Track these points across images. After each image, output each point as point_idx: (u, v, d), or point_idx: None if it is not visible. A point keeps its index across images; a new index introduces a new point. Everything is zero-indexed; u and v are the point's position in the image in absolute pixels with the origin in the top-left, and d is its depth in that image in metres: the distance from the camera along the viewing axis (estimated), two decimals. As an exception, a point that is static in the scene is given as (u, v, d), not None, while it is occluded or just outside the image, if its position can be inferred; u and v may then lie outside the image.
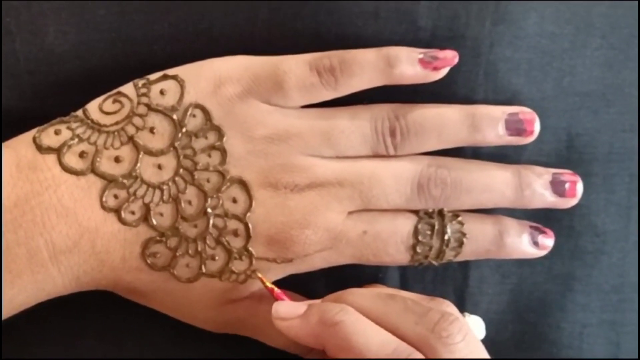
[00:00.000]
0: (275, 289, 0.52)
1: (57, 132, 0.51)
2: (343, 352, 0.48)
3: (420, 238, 0.53)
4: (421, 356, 0.47)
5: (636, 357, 0.59)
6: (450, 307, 0.50)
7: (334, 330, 0.48)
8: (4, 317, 0.51)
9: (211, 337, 0.56)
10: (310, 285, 0.55)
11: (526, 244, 0.55)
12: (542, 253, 0.55)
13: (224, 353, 0.57)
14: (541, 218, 0.56)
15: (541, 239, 0.55)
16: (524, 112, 0.54)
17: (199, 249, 0.51)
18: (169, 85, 0.51)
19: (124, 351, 0.57)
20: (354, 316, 0.48)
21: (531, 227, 0.55)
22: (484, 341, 0.51)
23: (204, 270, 0.52)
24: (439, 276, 0.57)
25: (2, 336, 0.56)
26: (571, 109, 0.56)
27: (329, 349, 0.49)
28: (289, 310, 0.50)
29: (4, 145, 0.51)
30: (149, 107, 0.51)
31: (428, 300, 0.51)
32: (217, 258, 0.51)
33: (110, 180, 0.50)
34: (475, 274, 0.57)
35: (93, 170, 0.50)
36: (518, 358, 0.58)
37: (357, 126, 0.52)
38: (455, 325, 0.48)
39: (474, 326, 0.51)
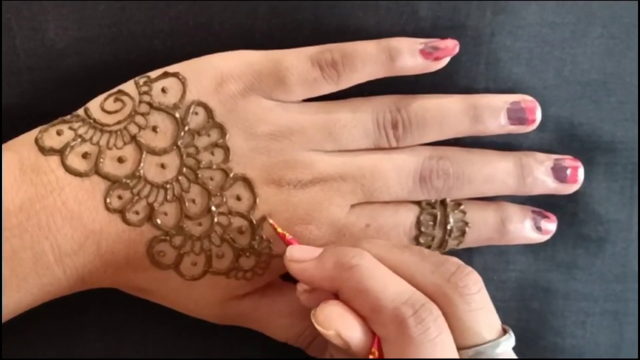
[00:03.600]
0: (287, 234, 0.51)
1: (59, 133, 0.51)
2: (358, 296, 0.47)
3: (422, 229, 0.54)
4: (435, 307, 0.46)
5: (638, 346, 0.60)
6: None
7: (350, 274, 0.47)
8: (7, 318, 0.51)
9: (213, 333, 0.57)
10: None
11: (529, 229, 0.55)
12: (545, 238, 0.56)
13: (226, 349, 0.57)
14: (544, 206, 0.56)
15: (544, 223, 0.55)
16: (526, 100, 0.54)
17: (204, 247, 0.51)
18: (171, 83, 0.51)
19: (126, 348, 0.58)
20: (370, 261, 0.48)
21: (533, 212, 0.55)
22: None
23: (209, 268, 0.52)
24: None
25: (2, 336, 0.56)
26: (572, 98, 0.56)
27: (344, 293, 0.48)
28: (303, 253, 0.49)
29: (5, 147, 0.51)
30: (151, 105, 0.51)
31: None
32: (222, 256, 0.52)
33: (114, 181, 0.50)
34: (479, 261, 0.58)
35: (97, 171, 0.50)
36: (521, 346, 0.58)
37: (358, 119, 0.52)
38: (472, 277, 0.47)
39: None
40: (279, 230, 0.51)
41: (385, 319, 0.46)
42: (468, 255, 0.57)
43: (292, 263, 0.49)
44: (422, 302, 0.46)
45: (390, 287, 0.47)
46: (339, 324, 0.47)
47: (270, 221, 0.52)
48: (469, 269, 0.48)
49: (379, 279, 0.47)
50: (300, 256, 0.49)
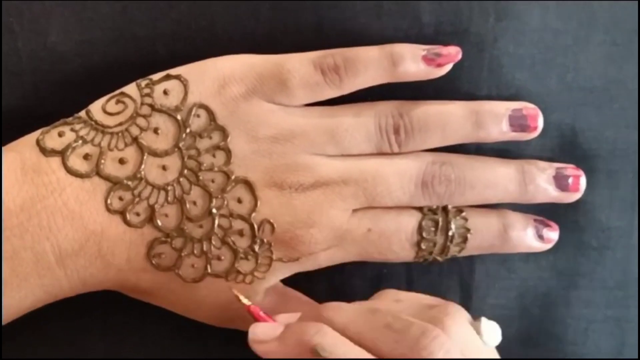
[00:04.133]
0: (252, 307, 0.51)
1: (60, 134, 0.51)
2: None
3: (424, 234, 0.53)
4: None
5: (640, 353, 0.60)
6: (451, 315, 0.49)
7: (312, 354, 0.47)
8: (10, 319, 0.51)
9: (214, 336, 0.56)
10: (314, 281, 0.56)
11: (531, 237, 0.55)
12: (547, 247, 0.55)
13: (226, 351, 0.57)
14: (545, 214, 0.56)
15: (546, 232, 0.55)
16: (528, 107, 0.54)
17: (205, 249, 0.51)
18: (173, 86, 0.51)
19: (126, 349, 0.57)
20: (331, 338, 0.47)
21: (536, 220, 0.55)
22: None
23: (209, 270, 0.52)
24: (445, 271, 0.57)
25: (4, 335, 0.56)
26: (575, 104, 0.56)
27: None
28: (266, 332, 0.49)
29: (7, 148, 0.51)
30: (152, 107, 0.51)
31: (429, 307, 0.50)
32: (223, 258, 0.52)
33: (115, 183, 0.50)
34: (481, 269, 0.57)
35: (98, 172, 0.50)
36: (523, 353, 0.58)
37: (361, 124, 0.52)
38: (437, 342, 0.46)
39: (489, 332, 0.51)
40: (244, 301, 0.51)
41: None
42: (470, 263, 0.57)
43: (256, 345, 0.49)
44: None
45: None
46: None
47: (235, 292, 0.52)
48: (436, 332, 0.47)
49: (341, 356, 0.47)
50: (263, 334, 0.49)
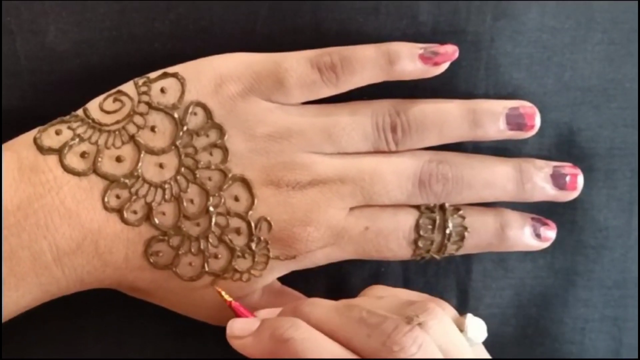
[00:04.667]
0: (233, 302, 0.51)
1: (57, 132, 0.51)
2: None
3: (421, 233, 0.53)
4: None
5: (637, 352, 0.59)
6: (429, 311, 0.48)
7: (285, 347, 0.47)
8: (8, 318, 0.51)
9: (212, 335, 0.56)
10: (311, 280, 0.56)
11: (528, 236, 0.55)
12: (544, 245, 0.55)
13: (225, 351, 0.57)
14: (543, 213, 0.56)
15: (543, 230, 0.55)
16: (525, 106, 0.54)
17: (202, 247, 0.51)
18: (170, 84, 0.51)
19: (124, 350, 0.57)
20: (305, 332, 0.47)
21: (533, 219, 0.55)
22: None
23: (207, 268, 0.52)
24: (442, 270, 0.57)
25: (2, 336, 0.56)
26: (572, 103, 0.56)
27: None
28: (243, 327, 0.50)
29: (4, 146, 0.51)
30: (149, 105, 0.51)
31: (409, 304, 0.49)
32: (220, 256, 0.52)
33: (112, 181, 0.50)
34: (478, 268, 0.57)
35: (95, 170, 0.50)
36: (520, 352, 0.58)
37: (357, 122, 0.52)
38: (409, 337, 0.46)
39: (474, 328, 0.51)
40: (226, 297, 0.51)
41: None
42: (467, 263, 0.57)
43: (233, 340, 0.50)
44: None
45: (325, 357, 0.46)
46: None
47: (218, 288, 0.52)
48: (408, 327, 0.47)
49: (314, 350, 0.47)
50: (240, 330, 0.50)
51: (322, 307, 0.49)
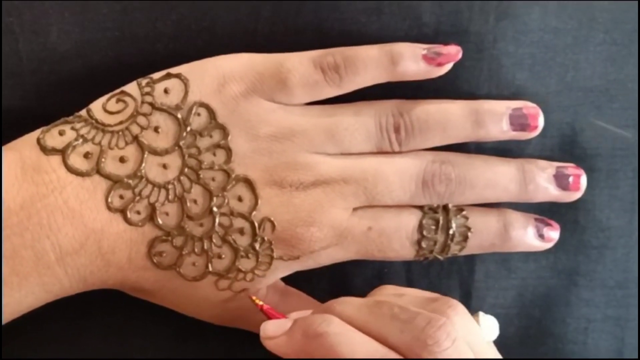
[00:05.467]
0: (265, 306, 0.52)
1: (61, 133, 0.51)
2: None
3: (425, 233, 0.53)
4: None
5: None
6: (453, 307, 0.49)
7: (319, 342, 0.47)
8: (11, 318, 0.51)
9: (215, 335, 0.56)
10: (314, 280, 0.56)
11: (531, 236, 0.55)
12: (547, 246, 0.55)
13: (227, 351, 0.57)
14: (546, 213, 0.56)
15: (546, 231, 0.55)
16: (528, 107, 0.54)
17: (205, 247, 0.51)
18: (173, 84, 0.51)
19: (127, 349, 0.57)
20: (338, 327, 0.48)
21: (536, 219, 0.55)
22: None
23: (210, 269, 0.52)
24: (445, 271, 0.57)
25: (4, 336, 0.56)
26: (575, 104, 0.56)
27: None
28: (276, 329, 0.50)
29: (7, 147, 0.51)
30: (153, 106, 0.51)
31: (431, 300, 0.50)
32: (223, 257, 0.52)
33: (115, 181, 0.50)
34: (481, 269, 0.58)
35: (98, 171, 0.50)
36: (523, 352, 0.58)
37: (361, 123, 0.52)
38: (443, 332, 0.47)
39: (487, 326, 0.51)
40: (257, 301, 0.52)
41: None
42: (470, 263, 0.57)
43: (266, 341, 0.50)
44: None
45: (360, 351, 0.47)
46: None
47: (249, 294, 0.52)
48: (441, 321, 0.47)
49: (348, 344, 0.47)
50: (273, 332, 0.50)
51: (352, 304, 0.49)
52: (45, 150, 0.50)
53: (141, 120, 0.51)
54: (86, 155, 0.50)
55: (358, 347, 0.47)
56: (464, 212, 0.54)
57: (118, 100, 0.52)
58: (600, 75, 0.56)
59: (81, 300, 0.53)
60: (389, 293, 0.52)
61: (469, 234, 0.54)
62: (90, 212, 0.50)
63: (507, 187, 0.54)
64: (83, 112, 0.52)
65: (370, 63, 0.52)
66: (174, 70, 0.52)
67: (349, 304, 0.49)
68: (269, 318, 0.51)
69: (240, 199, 0.51)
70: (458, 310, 0.49)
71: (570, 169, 0.55)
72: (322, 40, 0.53)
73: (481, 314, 0.51)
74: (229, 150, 0.51)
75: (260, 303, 0.52)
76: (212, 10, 0.54)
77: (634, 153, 0.57)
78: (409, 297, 0.51)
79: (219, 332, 0.56)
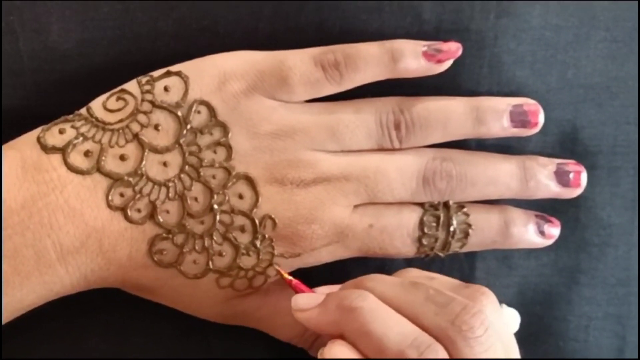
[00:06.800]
0: (294, 280, 0.52)
1: (61, 131, 0.51)
2: (362, 338, 0.47)
3: (425, 230, 0.54)
4: (441, 348, 0.46)
5: (642, 350, 0.60)
6: (486, 295, 0.49)
7: (353, 316, 0.47)
8: (12, 317, 0.51)
9: (216, 333, 0.56)
10: (315, 278, 0.56)
11: (532, 233, 0.55)
12: (548, 242, 0.55)
13: (228, 349, 0.57)
14: (547, 211, 0.56)
15: (547, 228, 0.55)
16: (528, 103, 0.54)
17: (206, 245, 0.51)
18: (173, 82, 0.51)
19: (128, 348, 0.57)
20: (373, 302, 0.48)
21: (537, 216, 0.55)
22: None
23: (211, 266, 0.52)
24: (446, 268, 0.57)
25: (5, 334, 0.56)
26: (575, 101, 0.56)
27: (348, 336, 0.47)
28: (308, 301, 0.50)
29: (7, 146, 0.51)
30: (153, 104, 0.51)
31: (463, 287, 0.50)
32: (224, 254, 0.52)
33: (116, 179, 0.50)
34: (482, 266, 0.57)
35: (98, 169, 0.50)
36: (524, 350, 0.58)
37: (361, 120, 0.52)
38: (477, 319, 0.46)
39: (510, 319, 0.51)
40: (286, 276, 0.52)
41: None
42: (471, 260, 0.57)
43: (298, 312, 0.50)
44: (428, 344, 0.46)
45: (394, 329, 0.46)
46: None
47: (277, 267, 0.52)
48: (476, 308, 0.47)
49: (382, 321, 0.47)
50: (305, 304, 0.50)
51: (385, 282, 0.49)
52: (45, 148, 0.50)
53: (141, 118, 0.51)
54: (86, 154, 0.50)
55: (392, 326, 0.47)
56: (464, 209, 0.54)
57: (118, 99, 0.52)
58: (601, 72, 0.56)
59: (82, 299, 0.53)
60: (417, 276, 0.52)
61: (470, 231, 0.54)
62: (91, 211, 0.50)
63: (508, 184, 0.54)
64: (83, 111, 0.52)
65: (370, 60, 0.52)
66: (174, 68, 0.52)
67: (381, 281, 0.49)
68: (297, 292, 0.51)
69: (241, 197, 0.51)
70: (491, 299, 0.49)
71: (571, 165, 0.55)
72: (323, 38, 0.53)
73: (504, 306, 0.51)
74: (229, 148, 0.51)
75: (289, 277, 0.52)
76: (213, 9, 0.54)
77: (635, 150, 0.57)
78: (441, 280, 0.51)
79: (220, 330, 0.56)
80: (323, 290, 0.51)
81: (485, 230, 0.54)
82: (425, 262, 0.56)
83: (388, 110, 0.53)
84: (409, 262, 0.56)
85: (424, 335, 0.46)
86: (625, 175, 0.57)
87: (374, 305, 0.47)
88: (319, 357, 0.48)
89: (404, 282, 0.49)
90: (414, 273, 0.52)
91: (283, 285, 0.54)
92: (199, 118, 0.51)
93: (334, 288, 0.51)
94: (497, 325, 0.48)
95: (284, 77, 0.51)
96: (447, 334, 0.46)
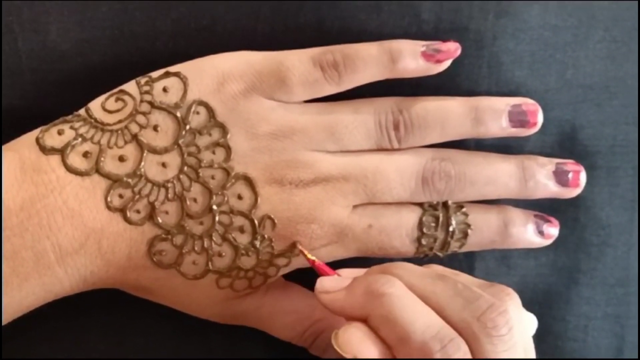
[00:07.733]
0: (317, 261, 0.51)
1: (60, 132, 0.51)
2: (386, 325, 0.47)
3: (425, 230, 0.54)
4: (463, 343, 0.46)
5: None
6: (511, 296, 0.49)
7: (380, 302, 0.47)
8: (11, 318, 0.51)
9: (216, 333, 0.57)
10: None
11: (531, 233, 0.55)
12: (547, 242, 0.55)
13: (228, 349, 0.57)
14: (546, 211, 0.56)
15: (546, 228, 0.55)
16: (527, 103, 0.54)
17: (206, 246, 0.51)
18: (172, 83, 0.51)
19: (127, 349, 0.57)
20: (401, 290, 0.47)
21: (536, 216, 0.55)
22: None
23: (210, 267, 0.52)
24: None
25: (4, 335, 0.56)
26: (574, 101, 0.56)
27: (372, 320, 0.47)
28: (334, 284, 0.49)
29: (6, 147, 0.51)
30: (152, 104, 0.51)
31: (488, 285, 0.49)
32: (224, 255, 0.52)
33: (114, 180, 0.50)
34: (481, 266, 0.57)
35: (97, 170, 0.50)
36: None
37: (360, 120, 0.52)
38: (503, 317, 0.46)
39: (528, 322, 0.51)
40: (309, 256, 0.52)
41: (412, 350, 0.46)
42: (470, 260, 0.57)
43: (322, 295, 0.49)
44: (451, 338, 0.46)
45: (420, 319, 0.46)
46: (358, 349, 0.46)
47: (300, 247, 0.52)
48: (503, 307, 0.47)
49: (409, 310, 0.47)
50: (331, 287, 0.49)
51: (413, 271, 0.49)
52: (44, 150, 0.50)
53: (140, 119, 0.51)
54: (85, 155, 0.50)
55: (418, 316, 0.46)
56: (463, 209, 0.54)
57: (117, 99, 0.52)
58: (600, 72, 0.56)
59: (81, 299, 0.53)
60: (443, 270, 0.52)
61: (469, 231, 0.54)
62: (90, 212, 0.50)
63: (506, 183, 0.54)
64: (82, 111, 0.52)
65: (369, 61, 0.52)
66: (172, 68, 0.52)
67: (410, 270, 0.49)
68: (321, 274, 0.51)
69: (240, 197, 0.51)
70: (515, 301, 0.49)
71: (570, 165, 0.55)
72: (322, 38, 0.53)
73: (523, 309, 0.51)
74: (228, 149, 0.51)
75: (312, 258, 0.52)
76: (212, 9, 0.53)
77: (634, 150, 0.57)
78: (465, 277, 0.51)
79: (220, 330, 0.56)
80: (347, 274, 0.51)
81: (484, 230, 0.54)
82: (424, 262, 0.56)
83: (387, 110, 0.53)
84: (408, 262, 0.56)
85: (448, 329, 0.46)
86: (624, 175, 0.57)
87: (402, 292, 0.47)
88: (332, 338, 0.48)
89: (432, 273, 0.49)
90: (438, 269, 0.52)
91: (283, 285, 0.54)
92: (197, 119, 0.51)
93: (358, 272, 0.51)
94: (519, 326, 0.48)
95: (283, 78, 0.51)
96: (471, 330, 0.46)
